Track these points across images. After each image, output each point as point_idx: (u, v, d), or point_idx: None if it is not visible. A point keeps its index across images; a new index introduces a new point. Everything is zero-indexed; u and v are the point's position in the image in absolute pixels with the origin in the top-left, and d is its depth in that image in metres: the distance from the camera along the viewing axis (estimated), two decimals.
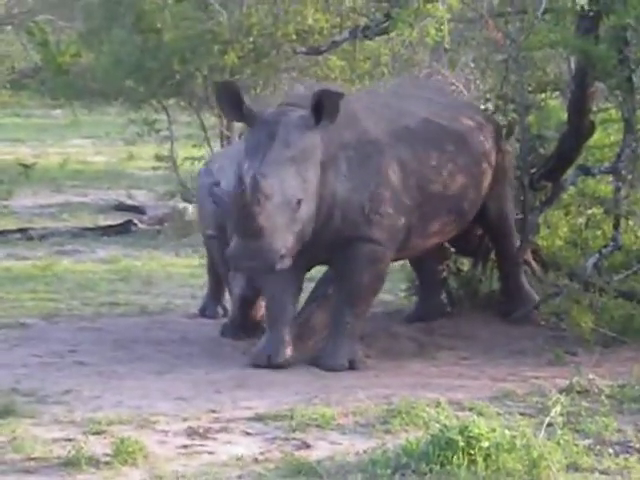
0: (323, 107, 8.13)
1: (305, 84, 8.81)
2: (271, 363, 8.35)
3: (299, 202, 8.02)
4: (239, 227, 7.95)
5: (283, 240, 7.94)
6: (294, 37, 13.74)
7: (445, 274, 9.77)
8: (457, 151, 8.96)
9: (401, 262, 10.31)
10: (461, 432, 6.11)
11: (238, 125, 13.57)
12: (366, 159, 8.46)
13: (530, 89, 10.05)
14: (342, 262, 8.47)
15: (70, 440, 6.67)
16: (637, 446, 6.68)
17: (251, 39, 14.05)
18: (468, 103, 9.86)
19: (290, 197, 7.98)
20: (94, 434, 6.81)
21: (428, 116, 8.98)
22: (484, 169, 9.18)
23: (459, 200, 8.95)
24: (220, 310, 9.96)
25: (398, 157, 8.61)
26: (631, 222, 10.22)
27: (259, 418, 7.21)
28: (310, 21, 13.72)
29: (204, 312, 10.01)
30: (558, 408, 6.83)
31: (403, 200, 8.56)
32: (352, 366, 8.44)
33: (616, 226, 9.62)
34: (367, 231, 8.41)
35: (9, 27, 26.56)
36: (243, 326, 9.17)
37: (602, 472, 6.28)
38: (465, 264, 10.02)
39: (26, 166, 18.73)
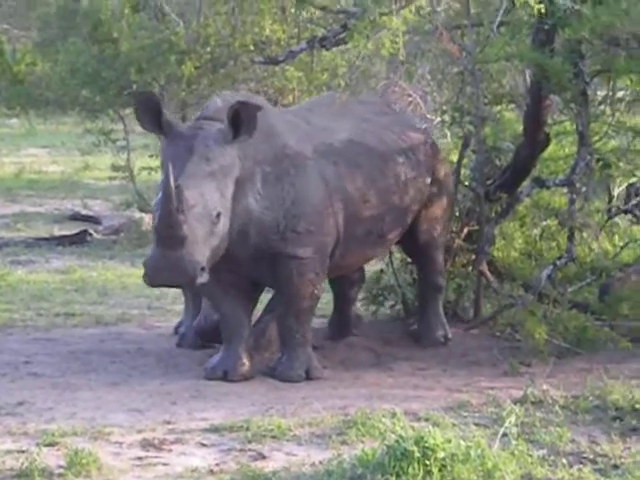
0: (241, 120, 7.95)
1: (222, 96, 8.53)
2: (227, 379, 8.32)
3: (218, 215, 7.86)
4: (161, 236, 7.70)
5: (202, 253, 7.76)
6: (252, 47, 13.75)
7: (358, 291, 9.73)
8: (383, 173, 8.83)
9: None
10: (417, 443, 6.13)
11: None
12: (283, 175, 8.30)
13: (486, 101, 10.11)
14: (272, 277, 8.38)
15: (23, 452, 6.62)
16: (590, 457, 6.72)
17: (208, 49, 14.03)
18: (409, 123, 9.44)
19: (210, 210, 7.81)
20: (47, 446, 6.76)
21: (354, 137, 8.81)
22: (411, 193, 9.03)
23: (382, 222, 8.81)
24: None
25: (321, 174, 8.47)
26: (585, 234, 10.30)
27: (214, 429, 7.19)
28: (267, 32, 13.74)
29: (179, 330, 9.50)
30: (512, 419, 6.88)
31: (325, 218, 8.42)
32: (309, 375, 8.43)
33: (570, 238, 9.69)
34: (284, 249, 8.26)
35: None
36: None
37: None
38: None
39: None
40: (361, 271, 9.72)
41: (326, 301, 11.02)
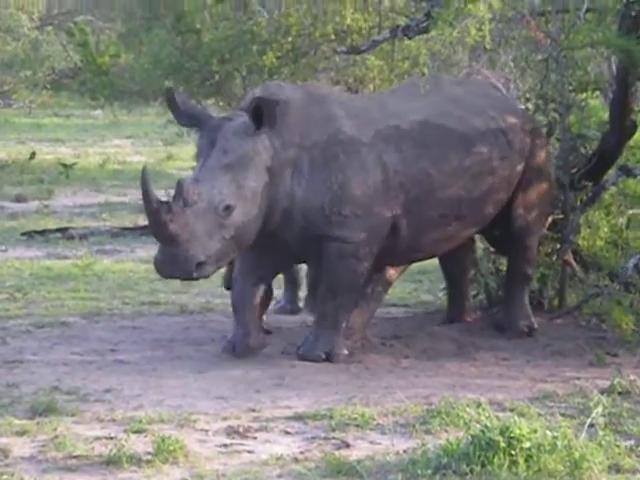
0: (262, 114, 8.20)
1: (263, 87, 8.78)
2: (235, 352, 8.59)
3: (228, 208, 8.06)
4: (153, 235, 8.18)
5: (203, 247, 8.00)
6: (333, 37, 13.74)
7: (472, 277, 9.68)
8: (458, 155, 8.73)
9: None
10: (502, 433, 6.09)
11: None
12: (331, 160, 8.43)
13: (571, 88, 10.00)
14: (317, 258, 8.54)
15: (111, 438, 6.71)
16: None
17: (290, 39, 14.05)
18: (508, 107, 9.35)
19: (217, 203, 8.05)
20: (135, 432, 6.85)
21: (431, 118, 8.76)
22: (497, 177, 8.92)
23: (460, 204, 8.73)
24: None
25: (378, 159, 8.52)
26: None
27: (299, 417, 7.23)
28: (349, 21, 13.71)
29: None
30: (599, 409, 6.80)
31: (377, 202, 8.46)
32: (329, 358, 8.49)
33: None
34: (329, 230, 8.41)
35: (49, 27, 26.78)
36: None
37: None
38: (504, 264, 9.96)
39: (66, 166, 18.88)
40: (471, 255, 9.65)
41: (408, 290, 11.00)
